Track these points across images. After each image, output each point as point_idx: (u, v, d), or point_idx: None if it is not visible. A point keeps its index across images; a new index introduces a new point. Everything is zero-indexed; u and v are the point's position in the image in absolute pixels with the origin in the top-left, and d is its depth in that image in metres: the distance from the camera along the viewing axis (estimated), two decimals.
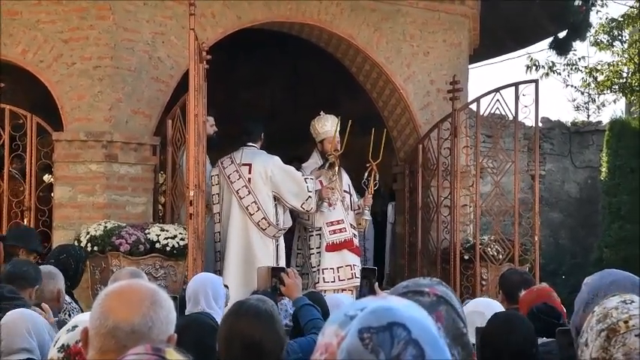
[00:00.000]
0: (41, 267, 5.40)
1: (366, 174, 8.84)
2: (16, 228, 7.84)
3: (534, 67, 16.95)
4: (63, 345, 3.13)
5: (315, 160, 8.91)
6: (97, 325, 2.06)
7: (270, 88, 12.58)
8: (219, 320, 4.47)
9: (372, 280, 5.86)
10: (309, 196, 8.34)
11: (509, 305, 5.60)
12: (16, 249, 6.83)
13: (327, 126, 8.74)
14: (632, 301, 2.22)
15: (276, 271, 5.29)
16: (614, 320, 2.18)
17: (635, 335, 2.14)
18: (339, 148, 8.61)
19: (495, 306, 4.76)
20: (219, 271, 8.19)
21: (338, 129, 8.62)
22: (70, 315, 5.32)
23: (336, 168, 8.66)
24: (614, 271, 2.76)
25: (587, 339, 2.21)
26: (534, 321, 4.18)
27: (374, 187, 8.88)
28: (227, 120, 8.98)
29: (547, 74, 17.15)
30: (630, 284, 2.60)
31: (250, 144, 8.53)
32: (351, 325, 1.50)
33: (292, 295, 5.15)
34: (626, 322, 2.17)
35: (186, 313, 4.95)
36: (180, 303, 5.08)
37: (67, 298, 5.61)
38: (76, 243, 7.81)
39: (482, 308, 4.59)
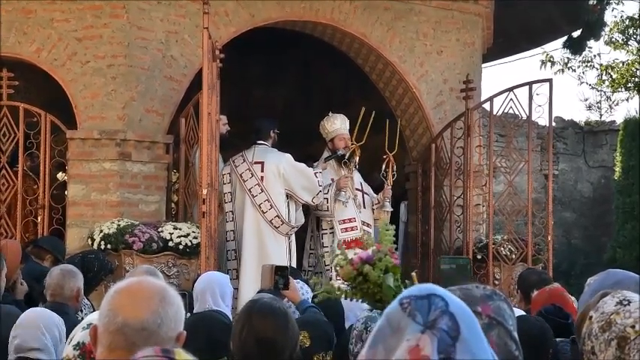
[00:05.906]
0: (62, 265, 5.45)
1: (383, 165, 8.86)
2: (50, 236, 7.83)
3: (549, 63, 16.87)
4: (78, 343, 3.16)
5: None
6: (106, 322, 2.05)
7: (282, 87, 12.58)
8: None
9: None
10: (320, 191, 8.45)
11: (526, 306, 5.54)
12: (44, 254, 6.82)
13: (336, 124, 8.77)
14: (630, 301, 2.19)
15: (279, 270, 5.26)
16: (621, 327, 2.15)
17: None
18: (349, 145, 8.65)
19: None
20: (234, 270, 8.20)
21: (348, 127, 8.68)
22: (85, 313, 5.37)
23: (357, 157, 8.67)
24: (618, 272, 2.71)
25: (594, 348, 2.17)
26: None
27: (392, 177, 8.90)
28: (239, 119, 8.99)
29: (562, 70, 17.07)
30: (634, 285, 2.56)
31: (261, 142, 8.54)
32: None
33: (295, 299, 5.12)
34: (633, 326, 2.14)
35: (194, 312, 4.96)
36: (190, 300, 5.09)
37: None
38: (89, 241, 7.83)
39: None
